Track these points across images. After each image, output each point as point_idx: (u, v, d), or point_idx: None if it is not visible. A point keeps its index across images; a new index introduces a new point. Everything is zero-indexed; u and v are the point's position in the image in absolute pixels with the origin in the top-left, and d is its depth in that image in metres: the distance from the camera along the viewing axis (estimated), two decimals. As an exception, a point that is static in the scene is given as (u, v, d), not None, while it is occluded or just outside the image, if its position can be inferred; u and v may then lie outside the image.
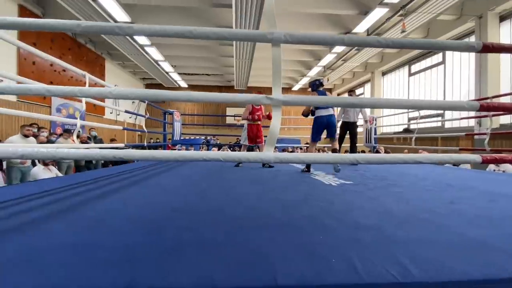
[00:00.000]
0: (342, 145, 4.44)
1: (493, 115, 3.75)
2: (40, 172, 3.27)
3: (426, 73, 8.66)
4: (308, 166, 3.19)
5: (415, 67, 9.18)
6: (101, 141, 6.00)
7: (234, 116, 12.02)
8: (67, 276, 0.69)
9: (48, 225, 1.12)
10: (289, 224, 1.19)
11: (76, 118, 8.03)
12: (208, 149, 9.84)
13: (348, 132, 4.23)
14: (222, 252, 0.85)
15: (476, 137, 5.87)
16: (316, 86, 3.19)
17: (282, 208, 1.48)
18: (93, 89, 1.01)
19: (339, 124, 4.18)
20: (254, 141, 3.93)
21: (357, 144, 4.28)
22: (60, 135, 5.62)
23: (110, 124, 10.38)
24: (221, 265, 0.76)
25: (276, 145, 6.84)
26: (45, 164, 3.38)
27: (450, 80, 7.74)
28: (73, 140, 5.20)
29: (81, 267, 0.74)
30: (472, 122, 6.57)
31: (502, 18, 6.24)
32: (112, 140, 5.59)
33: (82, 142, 5.69)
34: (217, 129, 13.29)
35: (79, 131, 5.55)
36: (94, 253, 0.84)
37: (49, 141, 4.83)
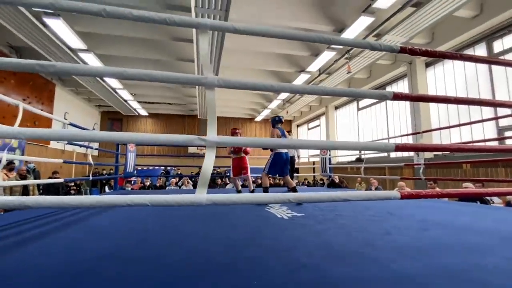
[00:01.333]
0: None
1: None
2: (-49, 214, 2.75)
3: (372, 108, 9.66)
4: (265, 190, 3.34)
5: (362, 103, 10.21)
6: (38, 175, 5.33)
7: (198, 146, 11.81)
8: None
9: None
10: (230, 269, 1.14)
11: (14, 148, 7.15)
12: (167, 180, 9.38)
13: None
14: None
15: (416, 166, 6.54)
16: (275, 122, 3.42)
17: (226, 249, 1.42)
18: (39, 130, 0.91)
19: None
20: (239, 173, 3.96)
21: (314, 174, 4.51)
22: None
23: (56, 154, 9.43)
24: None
25: (243, 176, 6.73)
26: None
27: (391, 115, 8.72)
28: (6, 174, 4.55)
29: None
30: (412, 153, 7.35)
31: (428, 65, 7.41)
32: (54, 173, 5.02)
33: (21, 176, 5.01)
34: (179, 159, 12.86)
35: (13, 164, 4.91)
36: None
37: (-29, 176, 4.16)
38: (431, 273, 1.06)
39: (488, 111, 5.63)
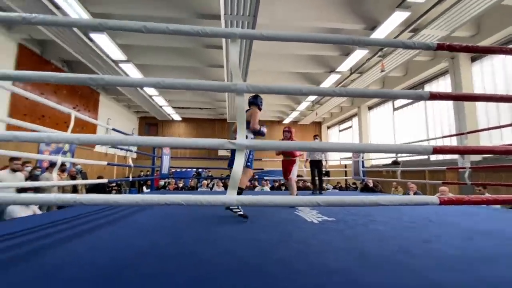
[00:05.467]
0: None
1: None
2: (17, 209, 3.16)
3: (409, 108, 9.08)
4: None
5: (398, 102, 9.64)
6: (85, 176, 5.89)
7: (227, 148, 12.05)
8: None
9: (3, 276, 1.07)
10: (259, 270, 1.16)
11: (65, 152, 7.97)
12: (198, 182, 9.73)
13: (315, 168, 4.98)
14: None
15: (461, 170, 6.00)
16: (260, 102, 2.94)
17: (256, 251, 1.45)
18: (91, 137, 1.04)
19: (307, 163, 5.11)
20: (285, 176, 3.71)
21: (346, 177, 4.36)
22: (47, 168, 5.54)
23: (101, 157, 10.30)
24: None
25: (266, 177, 6.80)
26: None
27: (431, 114, 8.11)
28: (59, 174, 5.10)
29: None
30: (456, 155, 6.76)
31: (474, 59, 6.77)
32: (98, 178, 5.49)
33: (71, 176, 5.59)
34: (210, 161, 13.24)
35: (64, 165, 5.49)
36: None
37: (32, 176, 4.73)
38: (475, 286, 0.98)
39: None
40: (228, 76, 7.28)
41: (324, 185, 9.23)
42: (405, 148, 1.13)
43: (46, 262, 1.21)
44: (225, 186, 8.55)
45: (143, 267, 1.17)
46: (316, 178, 4.96)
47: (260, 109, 2.87)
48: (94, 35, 5.71)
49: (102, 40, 5.86)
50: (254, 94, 2.87)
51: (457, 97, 1.16)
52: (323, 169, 4.98)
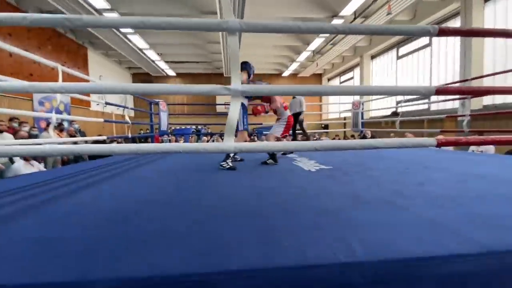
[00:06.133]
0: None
1: (472, 97, 3.81)
2: (21, 167, 3.22)
3: (414, 55, 8.67)
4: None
5: (403, 50, 9.17)
6: (84, 135, 5.90)
7: (225, 104, 11.90)
8: (19, 270, 0.71)
9: (16, 221, 1.12)
10: (256, 211, 1.22)
11: (61, 111, 7.86)
12: (198, 138, 9.82)
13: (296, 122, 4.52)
14: (181, 241, 0.88)
15: (459, 118, 5.98)
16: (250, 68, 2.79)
17: (254, 195, 1.51)
18: (77, 85, 0.99)
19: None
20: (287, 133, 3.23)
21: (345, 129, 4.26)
22: (45, 129, 5.51)
23: (97, 115, 10.19)
24: (177, 254, 0.78)
25: (265, 132, 6.73)
26: (26, 159, 3.32)
27: (436, 62, 7.78)
28: (58, 134, 5.11)
29: (36, 261, 0.75)
30: (457, 104, 6.67)
31: (487, -2, 6.21)
32: (99, 136, 5.50)
33: (70, 135, 5.60)
34: (208, 118, 13.16)
35: (62, 125, 5.46)
36: (54, 246, 0.85)
37: (30, 136, 4.73)
38: (463, 220, 1.04)
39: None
40: (223, 25, 6.76)
41: (321, 138, 9.32)
42: (407, 89, 1.08)
43: (55, 210, 1.27)
44: (225, 142, 8.67)
45: (146, 212, 1.22)
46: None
47: (249, 76, 2.76)
48: (70, -21, 5.13)
49: (81, -15, 5.30)
50: (244, 60, 2.79)
51: (468, 32, 1.07)
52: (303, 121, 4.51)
